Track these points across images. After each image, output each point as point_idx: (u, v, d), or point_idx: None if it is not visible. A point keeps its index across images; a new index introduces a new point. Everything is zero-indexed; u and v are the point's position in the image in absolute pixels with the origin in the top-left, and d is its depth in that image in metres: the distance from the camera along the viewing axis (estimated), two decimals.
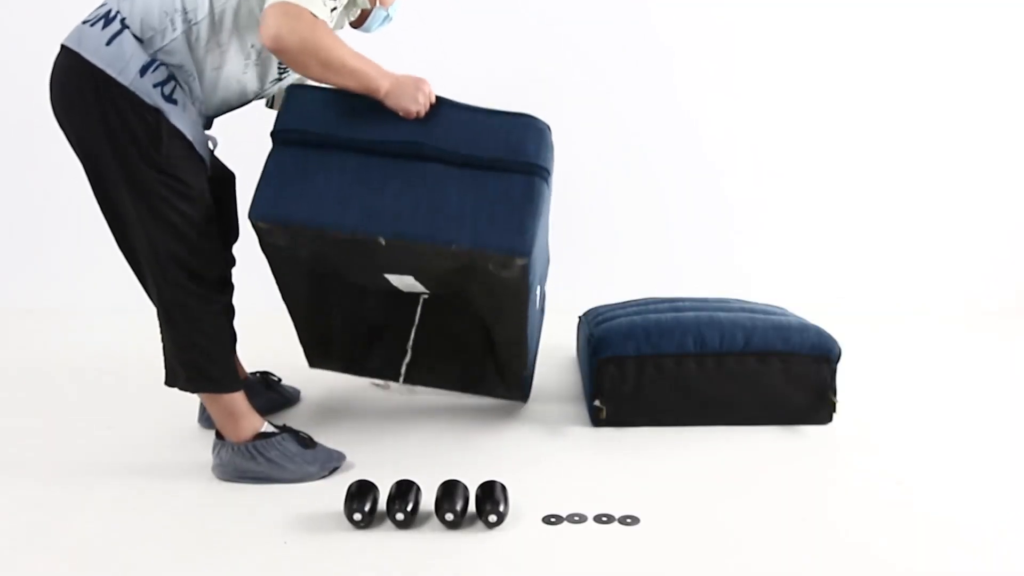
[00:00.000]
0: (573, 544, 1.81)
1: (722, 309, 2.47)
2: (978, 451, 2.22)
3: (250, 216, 1.93)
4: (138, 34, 1.84)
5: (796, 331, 2.34)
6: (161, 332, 1.99)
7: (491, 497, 1.85)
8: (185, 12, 1.85)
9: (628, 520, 1.88)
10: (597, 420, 2.37)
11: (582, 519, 1.90)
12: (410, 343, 2.39)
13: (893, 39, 3.29)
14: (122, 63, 1.81)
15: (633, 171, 3.40)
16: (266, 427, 2.03)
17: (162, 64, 1.85)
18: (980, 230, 3.44)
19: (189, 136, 1.88)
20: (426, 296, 2.37)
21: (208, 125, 2.05)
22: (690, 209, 3.43)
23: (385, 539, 1.83)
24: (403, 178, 1.92)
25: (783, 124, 3.37)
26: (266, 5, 1.78)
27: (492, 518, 1.83)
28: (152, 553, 1.78)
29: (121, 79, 1.80)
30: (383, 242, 1.89)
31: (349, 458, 2.16)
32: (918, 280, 3.45)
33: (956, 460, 2.17)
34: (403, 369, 2.40)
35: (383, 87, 1.93)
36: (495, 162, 1.95)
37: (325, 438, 2.32)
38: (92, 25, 1.86)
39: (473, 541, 1.82)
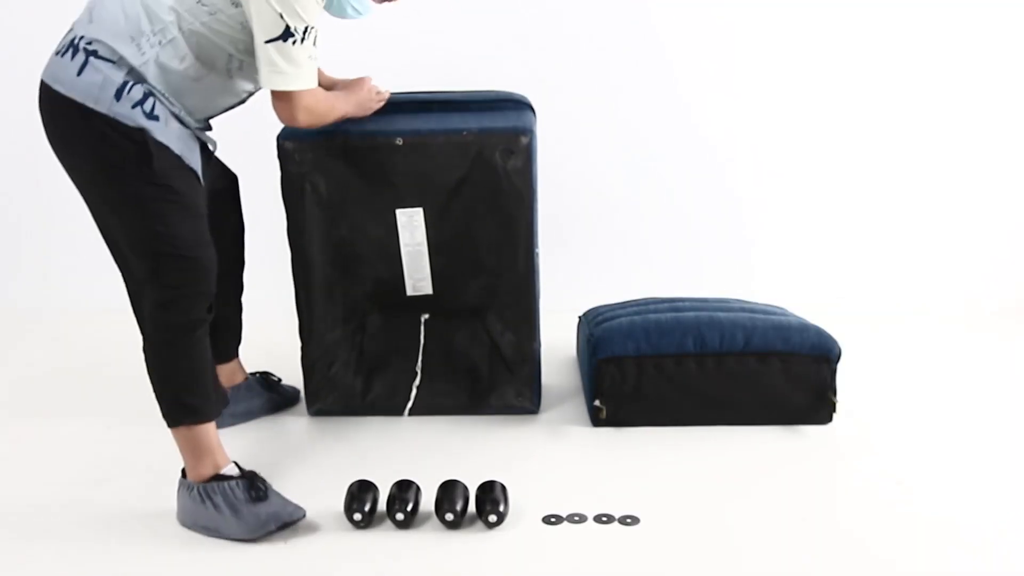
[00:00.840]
0: (573, 544, 1.81)
1: (722, 309, 2.47)
2: (978, 451, 2.22)
3: (278, 138, 2.19)
4: (108, 56, 1.79)
5: (796, 331, 2.34)
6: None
7: (491, 497, 1.85)
8: (152, 35, 1.80)
9: (628, 520, 1.88)
10: (597, 420, 2.36)
11: (582, 519, 1.90)
12: (419, 364, 2.38)
13: (893, 40, 3.29)
14: (96, 91, 1.77)
15: (633, 171, 3.40)
16: (229, 468, 1.86)
17: (137, 83, 1.80)
18: (980, 230, 3.44)
19: (176, 150, 1.84)
20: (427, 317, 2.36)
21: (206, 127, 2.04)
22: (690, 209, 3.43)
23: (385, 539, 1.83)
24: (412, 111, 2.29)
25: (783, 124, 3.37)
26: (267, 82, 1.87)
27: (492, 518, 1.83)
28: (151, 553, 1.78)
29: (99, 108, 1.76)
30: (400, 142, 2.16)
31: (349, 457, 2.16)
32: (918, 280, 3.44)
33: (956, 460, 2.17)
34: (413, 392, 2.38)
35: (349, 111, 2.15)
36: (490, 103, 2.32)
37: (325, 438, 2.33)
38: (62, 56, 1.81)
39: (473, 541, 1.82)
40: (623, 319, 2.43)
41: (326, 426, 2.39)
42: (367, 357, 2.40)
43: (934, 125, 3.36)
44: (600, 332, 2.39)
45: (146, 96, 1.80)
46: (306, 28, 1.82)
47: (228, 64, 1.92)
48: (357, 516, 1.83)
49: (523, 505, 1.95)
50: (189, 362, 1.86)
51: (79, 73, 1.77)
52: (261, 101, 2.23)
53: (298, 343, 2.39)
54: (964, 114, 3.34)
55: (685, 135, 3.38)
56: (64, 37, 1.86)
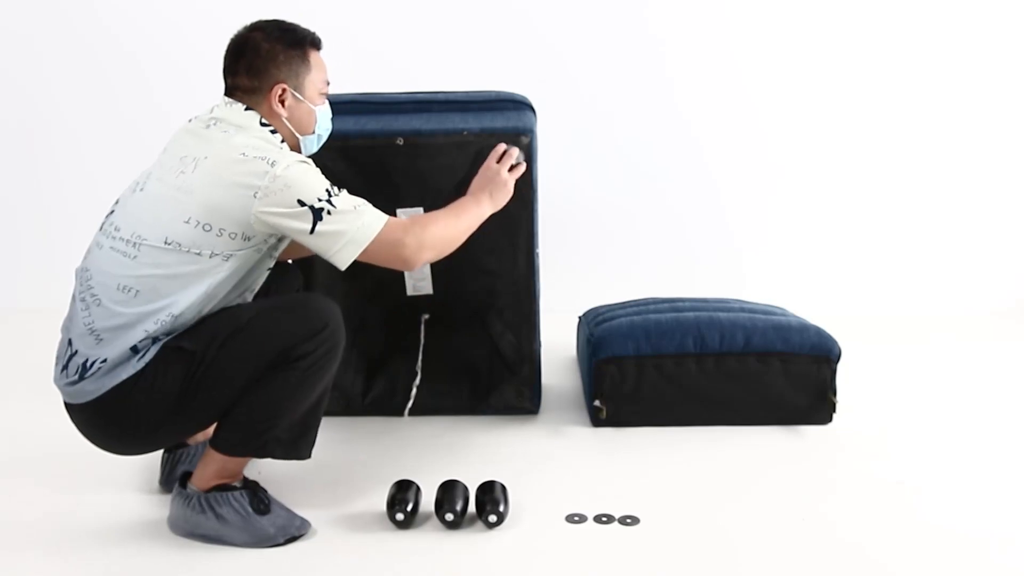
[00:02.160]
0: (573, 544, 1.81)
1: (722, 309, 2.47)
2: (978, 451, 2.22)
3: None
4: (120, 358, 1.70)
5: (796, 331, 2.34)
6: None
7: (491, 497, 1.85)
8: (160, 321, 1.70)
9: (628, 520, 1.88)
10: (597, 420, 2.36)
11: (582, 519, 1.89)
12: (419, 364, 2.38)
13: (893, 40, 3.29)
14: (117, 372, 1.69)
15: (633, 171, 3.40)
16: (235, 480, 1.84)
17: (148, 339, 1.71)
18: (980, 231, 3.44)
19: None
20: (427, 317, 2.36)
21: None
22: (690, 209, 3.43)
23: (385, 539, 1.83)
24: (412, 111, 2.30)
25: (783, 125, 3.37)
26: (345, 260, 1.76)
27: (492, 518, 1.83)
28: (150, 554, 1.78)
29: (127, 375, 1.69)
30: (400, 141, 2.15)
31: (349, 458, 2.16)
32: (918, 280, 3.44)
33: (956, 460, 2.17)
34: (413, 392, 2.38)
35: (485, 208, 1.99)
36: (490, 103, 2.33)
37: (325, 438, 2.32)
38: (74, 373, 1.71)
39: (473, 541, 1.82)
40: (623, 319, 2.43)
41: (326, 426, 2.38)
42: (367, 357, 2.40)
43: (933, 126, 3.36)
44: (600, 332, 2.39)
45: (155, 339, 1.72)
46: (327, 190, 1.73)
47: (265, 258, 1.83)
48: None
49: (523, 505, 1.95)
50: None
51: (108, 373, 1.70)
52: None
53: None
54: (963, 115, 3.34)
55: (685, 136, 3.38)
56: (67, 356, 1.74)
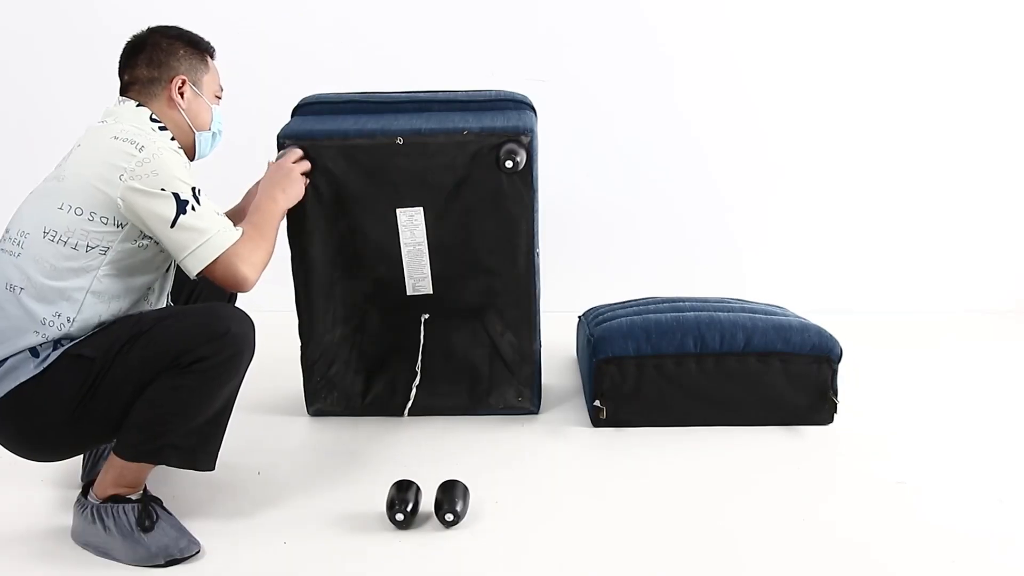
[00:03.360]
0: (573, 544, 1.81)
1: (722, 309, 2.47)
2: (979, 452, 2.22)
3: (278, 137, 2.17)
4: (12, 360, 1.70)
5: (796, 331, 2.34)
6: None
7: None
8: (53, 324, 1.70)
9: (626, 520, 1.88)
10: (597, 420, 2.36)
11: (582, 519, 1.89)
12: (419, 364, 2.38)
13: (893, 41, 3.29)
14: (15, 375, 1.68)
15: (633, 171, 3.40)
16: (133, 493, 1.78)
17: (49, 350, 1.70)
18: (980, 231, 3.44)
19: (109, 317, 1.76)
20: (427, 317, 2.36)
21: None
22: (690, 209, 3.43)
23: (385, 539, 1.83)
24: (412, 111, 2.31)
25: (783, 125, 3.37)
26: (195, 266, 1.73)
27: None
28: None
29: (24, 378, 1.67)
30: (400, 141, 2.15)
31: (349, 458, 2.15)
32: (919, 280, 3.44)
33: (956, 461, 2.17)
34: (413, 392, 2.38)
35: (281, 204, 2.00)
36: (490, 103, 2.34)
37: (325, 438, 2.32)
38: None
39: (473, 541, 1.82)
40: (623, 319, 2.43)
41: (326, 426, 2.38)
42: (367, 357, 2.40)
43: (934, 126, 3.36)
44: (600, 332, 2.39)
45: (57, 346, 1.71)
46: (193, 188, 1.73)
47: (150, 258, 1.81)
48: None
49: (523, 505, 1.95)
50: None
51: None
52: (259, 100, 2.24)
53: (298, 343, 2.38)
54: (963, 115, 3.34)
55: (685, 136, 3.37)
56: None
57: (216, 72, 1.97)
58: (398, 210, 2.22)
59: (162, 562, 1.73)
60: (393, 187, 2.22)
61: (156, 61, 1.86)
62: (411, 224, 2.24)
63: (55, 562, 1.75)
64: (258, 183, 2.12)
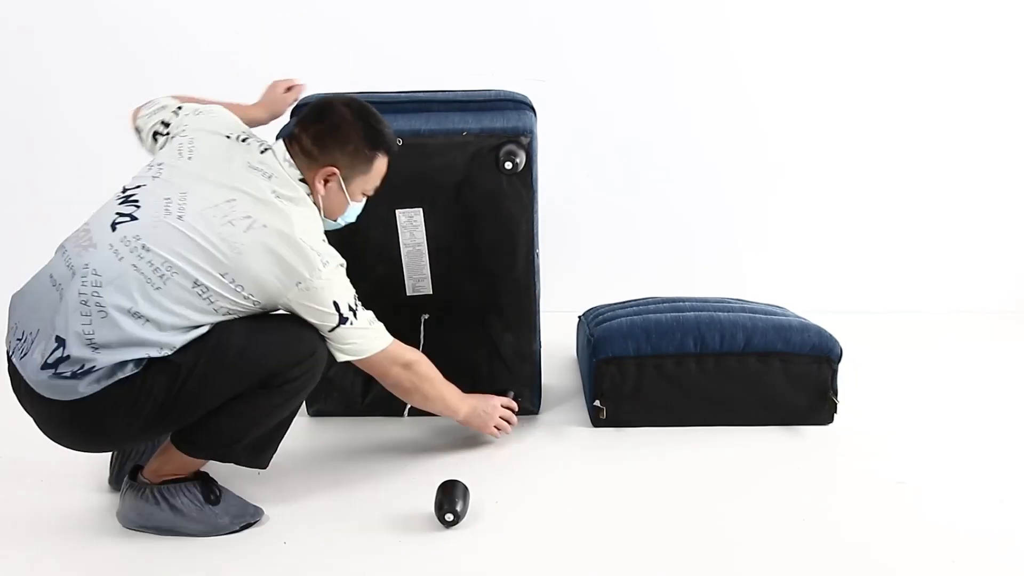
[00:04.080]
0: (573, 544, 1.81)
1: (722, 309, 2.47)
2: (979, 452, 2.22)
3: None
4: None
5: (796, 331, 2.34)
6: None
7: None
8: (161, 349, 1.69)
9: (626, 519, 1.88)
10: (597, 420, 2.36)
11: (582, 519, 1.89)
12: None
13: (892, 41, 3.29)
14: (113, 375, 1.66)
15: (633, 171, 3.40)
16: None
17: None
18: (980, 231, 3.44)
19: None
20: (427, 317, 2.36)
21: None
22: (690, 209, 3.43)
23: (384, 539, 1.83)
24: (412, 111, 2.28)
25: (783, 125, 3.36)
26: (339, 356, 1.85)
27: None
28: (148, 556, 1.78)
29: (117, 378, 1.67)
30: (400, 142, 2.06)
31: (349, 458, 2.15)
32: (920, 280, 3.44)
33: (957, 461, 2.17)
34: None
35: (461, 412, 2.15)
36: (489, 103, 2.31)
37: (325, 438, 2.32)
38: (66, 372, 1.65)
39: (473, 541, 1.82)
40: (623, 319, 2.43)
41: (326, 426, 2.38)
42: None
43: (933, 126, 3.36)
44: (600, 332, 2.39)
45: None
46: (355, 297, 1.83)
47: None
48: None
49: (523, 506, 1.95)
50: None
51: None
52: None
53: None
54: (962, 115, 3.34)
55: (685, 135, 3.37)
56: (52, 351, 1.65)
57: (380, 173, 1.93)
58: (397, 211, 2.22)
59: (236, 528, 1.85)
60: (392, 188, 2.21)
61: (322, 141, 1.83)
62: (411, 225, 2.24)
63: (116, 546, 1.77)
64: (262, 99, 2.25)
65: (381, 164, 1.91)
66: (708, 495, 2.00)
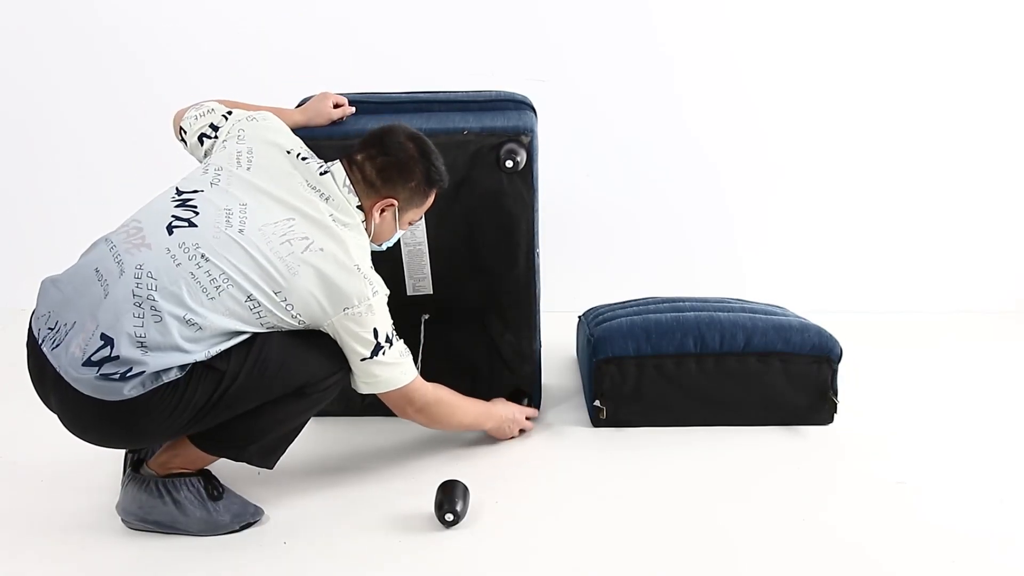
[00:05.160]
0: (573, 544, 1.81)
1: (722, 309, 2.47)
2: (979, 452, 2.22)
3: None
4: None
5: (797, 331, 2.34)
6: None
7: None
8: (208, 355, 1.69)
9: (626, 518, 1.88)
10: (597, 420, 2.36)
11: (582, 519, 1.89)
12: (418, 363, 2.38)
13: (892, 41, 3.29)
14: (158, 378, 1.66)
15: (633, 171, 3.40)
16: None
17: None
18: (980, 231, 3.44)
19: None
20: (427, 317, 2.36)
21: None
22: (690, 209, 3.43)
23: (383, 539, 1.83)
24: (412, 111, 2.29)
25: (783, 125, 3.36)
26: (363, 388, 1.90)
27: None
28: (148, 555, 1.78)
29: (163, 382, 1.66)
30: None
31: (348, 458, 2.15)
32: (920, 280, 3.44)
33: (957, 461, 2.17)
34: None
35: (487, 427, 2.22)
36: (490, 103, 2.32)
37: (325, 438, 2.32)
38: (113, 372, 1.62)
39: (473, 541, 1.82)
40: (623, 319, 2.43)
41: (326, 426, 2.38)
42: None
43: (934, 126, 3.36)
44: (600, 332, 2.39)
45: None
46: (392, 328, 1.86)
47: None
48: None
49: (523, 506, 1.95)
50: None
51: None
52: (259, 100, 2.24)
53: None
54: (962, 115, 3.34)
55: (685, 136, 3.37)
56: (99, 349, 1.63)
57: (428, 205, 2.00)
58: None
59: (236, 528, 1.85)
60: None
61: (387, 174, 1.89)
62: (413, 238, 2.24)
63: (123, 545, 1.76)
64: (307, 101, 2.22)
65: (432, 198, 1.99)
66: (708, 495, 2.00)
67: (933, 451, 2.22)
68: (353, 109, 2.25)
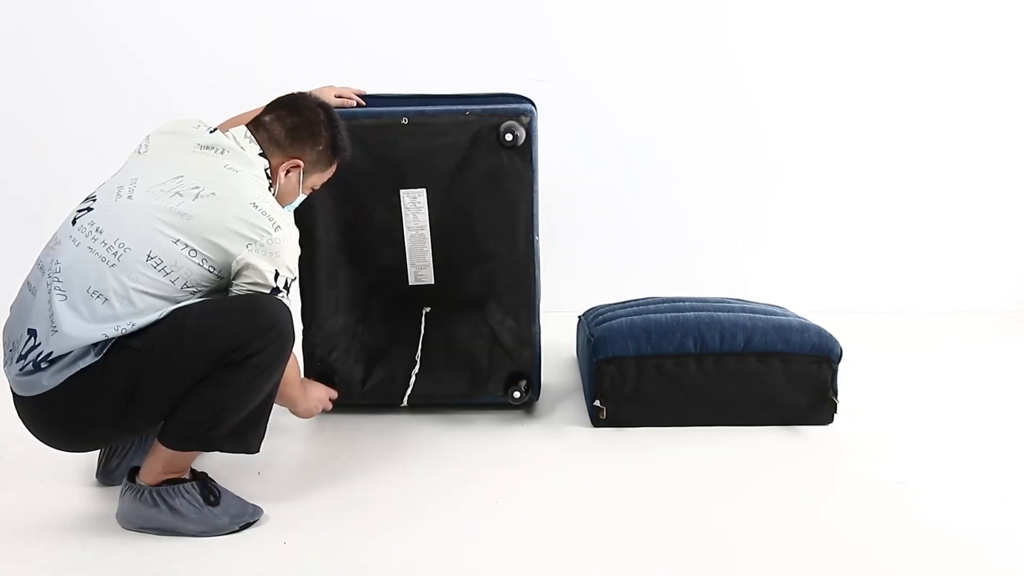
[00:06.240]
0: (573, 544, 1.81)
1: (722, 309, 2.47)
2: (979, 452, 2.22)
3: None
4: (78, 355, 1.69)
5: (796, 331, 2.34)
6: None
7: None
8: (121, 329, 1.69)
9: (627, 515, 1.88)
10: (597, 420, 2.36)
11: (582, 519, 1.89)
12: (418, 353, 2.39)
13: (892, 42, 3.29)
14: (75, 365, 1.67)
15: (633, 170, 3.40)
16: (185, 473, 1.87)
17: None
18: (980, 230, 3.44)
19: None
20: (428, 310, 2.38)
21: None
22: (690, 209, 3.43)
23: (382, 538, 1.83)
24: (417, 103, 2.30)
25: (783, 125, 3.37)
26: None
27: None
28: (148, 556, 1.78)
29: (79, 368, 1.67)
30: (405, 121, 2.21)
31: (347, 453, 2.15)
32: (920, 280, 3.45)
33: (957, 461, 2.17)
34: (412, 379, 2.39)
35: (299, 408, 2.09)
36: (492, 96, 2.33)
37: (324, 432, 2.32)
38: (31, 364, 1.68)
39: (471, 539, 1.82)
40: (623, 319, 2.43)
41: (325, 424, 2.38)
42: (368, 347, 2.41)
43: (935, 126, 3.36)
44: (600, 332, 2.39)
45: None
46: (289, 279, 1.83)
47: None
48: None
49: (522, 505, 1.95)
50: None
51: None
52: (259, 100, 2.24)
53: (299, 327, 2.39)
54: (962, 116, 3.34)
55: (686, 135, 3.38)
56: (25, 344, 1.70)
57: (330, 175, 2.03)
58: (402, 191, 2.26)
59: (236, 529, 1.84)
60: (397, 167, 2.26)
61: (297, 134, 1.91)
62: (414, 207, 2.27)
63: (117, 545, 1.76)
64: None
65: (334, 168, 2.03)
66: (708, 495, 2.00)
67: (933, 451, 2.22)
68: (354, 102, 2.27)
